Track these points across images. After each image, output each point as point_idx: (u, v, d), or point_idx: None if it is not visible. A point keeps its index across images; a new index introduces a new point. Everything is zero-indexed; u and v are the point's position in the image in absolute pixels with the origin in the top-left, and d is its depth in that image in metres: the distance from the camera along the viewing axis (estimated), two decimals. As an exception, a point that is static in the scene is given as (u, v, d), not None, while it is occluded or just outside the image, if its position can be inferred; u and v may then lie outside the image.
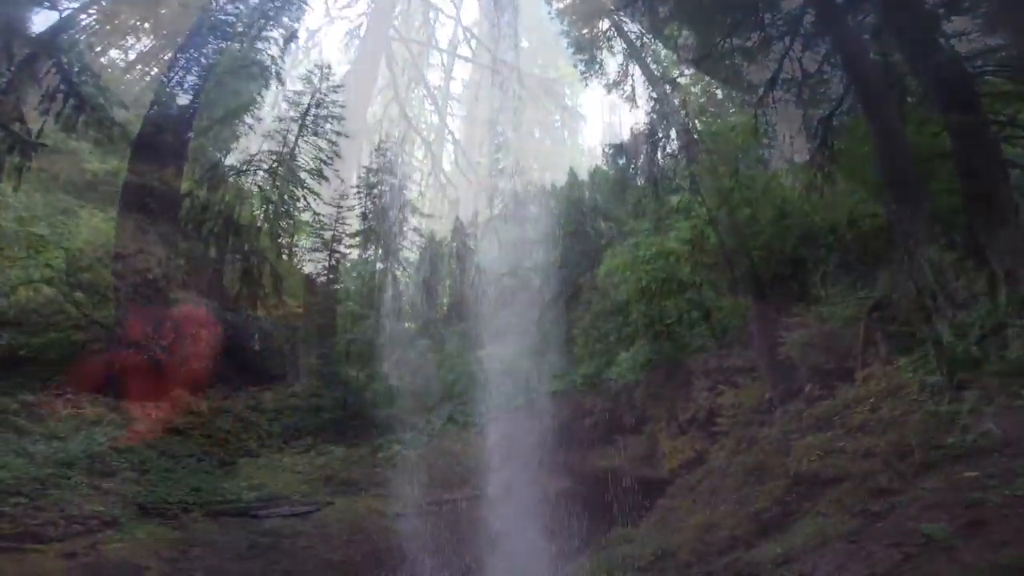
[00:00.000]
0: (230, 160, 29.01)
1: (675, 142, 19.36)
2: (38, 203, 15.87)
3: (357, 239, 34.04)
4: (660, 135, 19.47)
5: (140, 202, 19.17)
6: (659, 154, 19.97)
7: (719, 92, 21.52)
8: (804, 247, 15.76)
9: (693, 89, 22.10)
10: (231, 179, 27.55)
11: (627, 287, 24.41)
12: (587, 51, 20.75)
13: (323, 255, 34.37)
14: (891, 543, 6.74)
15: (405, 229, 35.66)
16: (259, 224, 26.92)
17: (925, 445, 8.57)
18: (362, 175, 36.15)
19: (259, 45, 27.98)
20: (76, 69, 19.20)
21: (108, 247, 17.57)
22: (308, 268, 33.42)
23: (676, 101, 19.57)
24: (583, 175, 26.98)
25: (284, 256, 29.33)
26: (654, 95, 19.65)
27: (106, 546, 9.89)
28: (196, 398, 19.34)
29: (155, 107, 22.47)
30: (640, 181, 19.96)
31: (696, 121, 21.50)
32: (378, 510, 15.68)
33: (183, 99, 25.93)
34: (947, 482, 7.60)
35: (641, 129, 19.88)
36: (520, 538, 13.04)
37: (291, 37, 29.33)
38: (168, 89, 23.75)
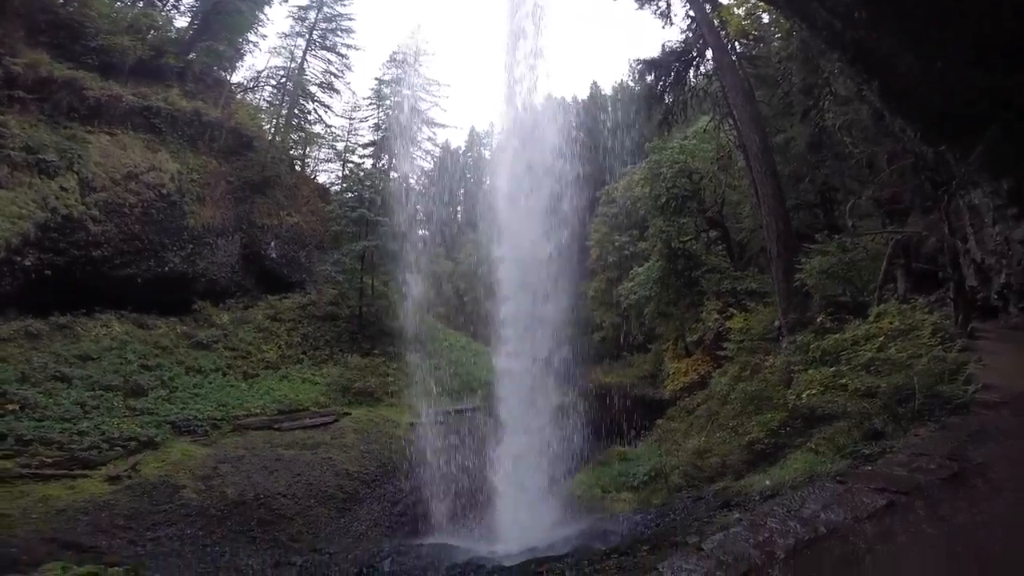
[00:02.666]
0: (236, 78, 28.73)
1: (710, 63, 17.55)
2: (42, 131, 15.64)
3: (370, 149, 33.68)
4: (695, 54, 17.60)
5: (147, 123, 19.42)
6: (691, 73, 18.21)
7: (765, 16, 19.13)
8: (837, 177, 14.82)
9: (737, 11, 19.66)
10: (239, 96, 27.23)
11: (646, 202, 23.71)
12: (617, -36, 18.17)
13: (336, 165, 34.41)
14: (877, 488, 6.82)
15: (420, 139, 34.90)
16: (270, 138, 26.52)
17: (926, 391, 8.46)
18: (374, 86, 35.60)
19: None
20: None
21: (120, 168, 17.56)
22: (322, 178, 33.58)
23: (716, 21, 17.43)
24: (607, 89, 25.23)
25: (297, 167, 29.34)
26: (691, 13, 17.49)
27: (145, 467, 10.80)
28: (217, 309, 20.08)
29: (152, 31, 21.80)
30: (669, 99, 18.39)
31: (736, 43, 19.42)
32: (392, 419, 16.56)
33: (181, 21, 24.90)
34: (940, 432, 7.61)
35: (674, 47, 17.94)
36: (523, 451, 13.55)
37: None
38: (164, 12, 22.81)
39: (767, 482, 9.10)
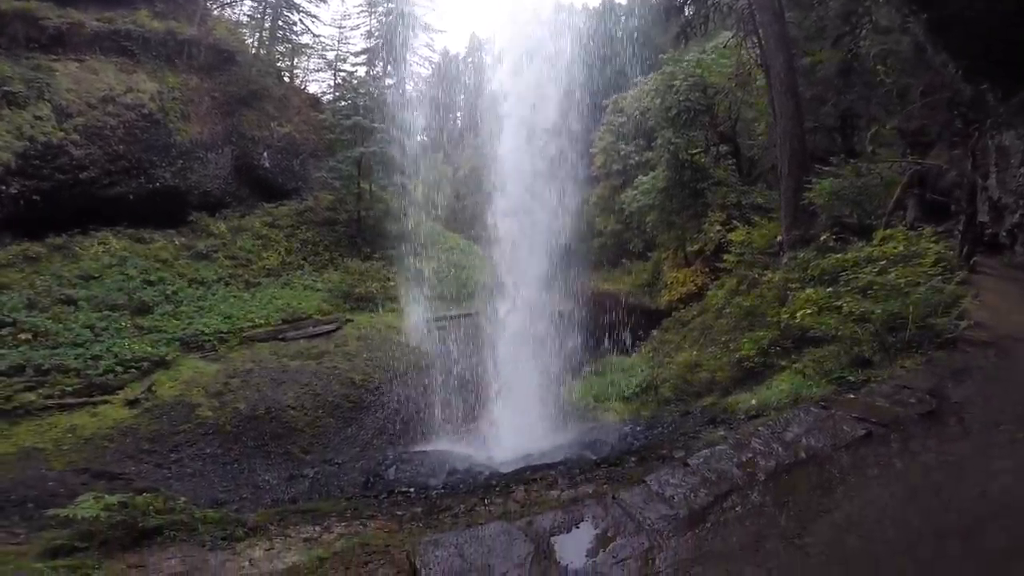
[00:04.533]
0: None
1: (738, -23, 15.88)
2: (2, 65, 15.34)
3: (363, 57, 31.94)
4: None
5: (117, 47, 18.91)
6: (716, -14, 16.58)
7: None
8: (862, 104, 13.88)
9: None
10: (215, 12, 26.20)
11: (656, 113, 22.64)
12: None
13: (328, 75, 32.81)
14: (858, 417, 7.01)
15: (416, 45, 32.82)
16: (253, 51, 25.56)
17: (918, 322, 8.46)
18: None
19: None
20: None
21: (94, 92, 17.22)
22: (313, 88, 32.48)
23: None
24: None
25: (286, 78, 28.41)
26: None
27: (160, 388, 11.21)
28: (214, 219, 19.91)
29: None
30: (689, 12, 16.88)
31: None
32: (393, 326, 16.86)
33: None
34: (925, 366, 7.74)
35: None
36: (520, 358, 13.87)
37: None
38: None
39: (753, 401, 9.35)
